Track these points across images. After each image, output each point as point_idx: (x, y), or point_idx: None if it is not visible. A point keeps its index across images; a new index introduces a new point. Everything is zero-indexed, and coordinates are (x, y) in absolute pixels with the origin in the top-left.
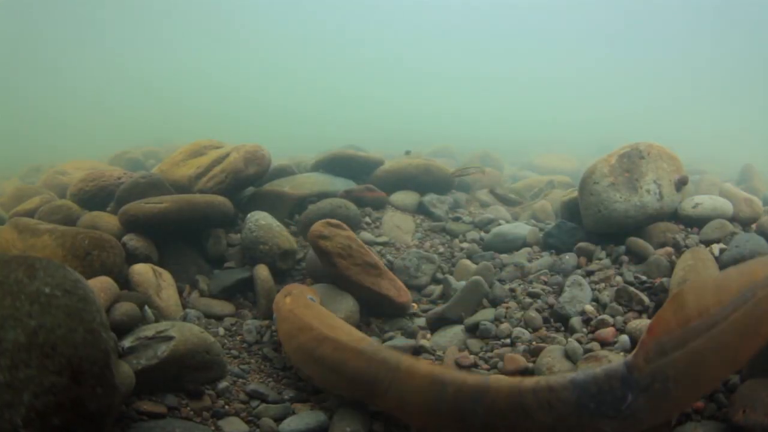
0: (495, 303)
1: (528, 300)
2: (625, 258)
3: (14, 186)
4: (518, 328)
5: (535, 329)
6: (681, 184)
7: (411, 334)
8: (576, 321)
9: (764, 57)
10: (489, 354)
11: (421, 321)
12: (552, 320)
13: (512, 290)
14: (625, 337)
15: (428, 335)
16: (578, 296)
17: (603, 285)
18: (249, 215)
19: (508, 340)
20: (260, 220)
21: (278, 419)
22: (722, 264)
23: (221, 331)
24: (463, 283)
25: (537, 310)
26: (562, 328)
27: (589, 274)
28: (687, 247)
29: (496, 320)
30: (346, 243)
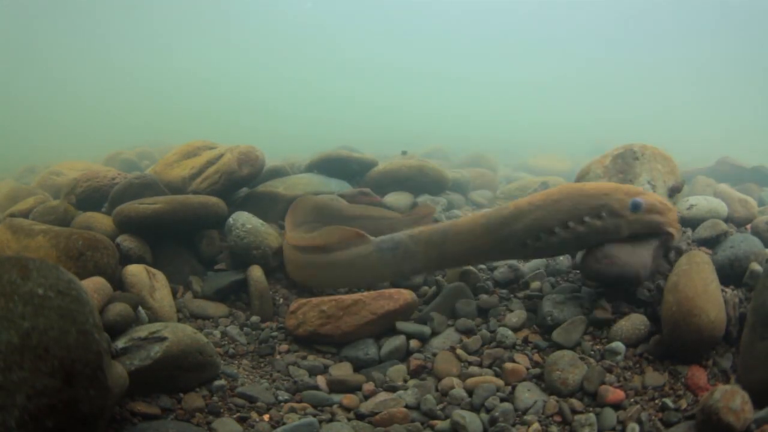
0: (488, 304)
1: (522, 301)
2: None
3: (9, 186)
4: (510, 331)
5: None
6: (674, 191)
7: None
8: None
9: (763, 57)
10: (482, 355)
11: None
12: None
13: (505, 291)
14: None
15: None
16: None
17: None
18: (232, 220)
19: (503, 341)
20: (246, 224)
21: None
22: (717, 265)
23: (214, 332)
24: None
25: (529, 310)
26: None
27: None
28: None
29: (489, 320)
30: (317, 313)
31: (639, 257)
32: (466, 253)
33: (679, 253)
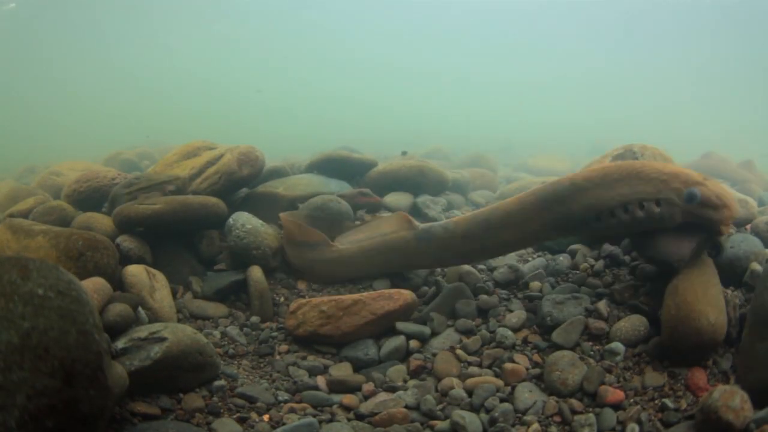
0: (488, 305)
1: (522, 301)
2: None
3: (9, 186)
4: (510, 331)
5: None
6: None
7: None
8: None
9: (763, 57)
10: (482, 355)
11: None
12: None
13: (505, 292)
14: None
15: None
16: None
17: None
18: (232, 220)
19: (503, 342)
20: (246, 224)
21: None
22: (717, 265)
23: (214, 332)
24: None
25: (529, 311)
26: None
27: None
28: None
29: (489, 321)
30: (317, 314)
31: (679, 249)
32: (513, 238)
33: (719, 251)
